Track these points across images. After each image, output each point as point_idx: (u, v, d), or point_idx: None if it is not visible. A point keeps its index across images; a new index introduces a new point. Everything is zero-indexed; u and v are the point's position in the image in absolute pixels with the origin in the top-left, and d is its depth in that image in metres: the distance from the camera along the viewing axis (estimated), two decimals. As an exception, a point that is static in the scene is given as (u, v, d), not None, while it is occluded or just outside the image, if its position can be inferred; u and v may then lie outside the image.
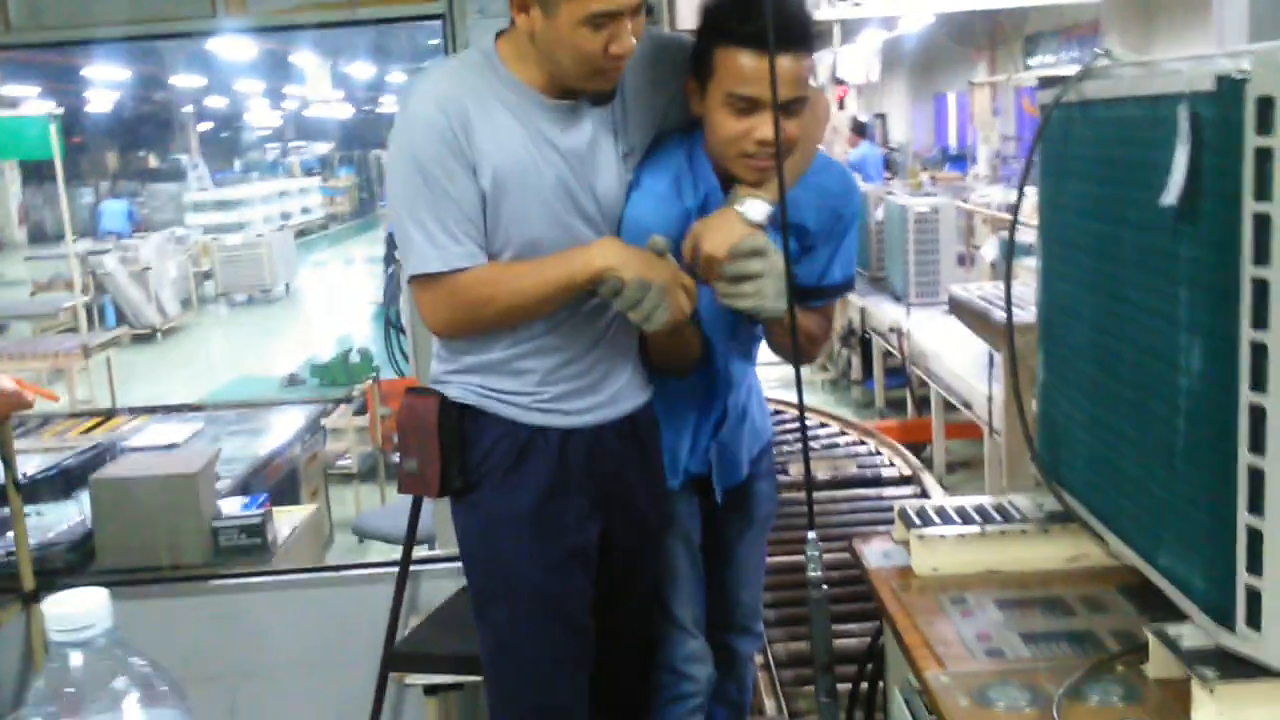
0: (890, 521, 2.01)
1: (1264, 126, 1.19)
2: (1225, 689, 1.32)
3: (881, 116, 15.48)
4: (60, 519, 3.46)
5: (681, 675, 2.16)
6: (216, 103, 30.78)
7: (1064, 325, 1.85)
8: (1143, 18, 12.04)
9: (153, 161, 27.56)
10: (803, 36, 1.86)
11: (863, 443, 6.61)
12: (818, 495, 5.71)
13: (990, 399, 5.16)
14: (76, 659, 0.78)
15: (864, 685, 2.47)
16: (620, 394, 2.07)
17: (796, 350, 1.90)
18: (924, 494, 5.20)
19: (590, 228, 1.95)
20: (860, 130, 12.95)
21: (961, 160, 17.68)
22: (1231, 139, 1.23)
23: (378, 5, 2.70)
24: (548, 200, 1.91)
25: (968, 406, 5.94)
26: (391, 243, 12.63)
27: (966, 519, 1.91)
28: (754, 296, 1.87)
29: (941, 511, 1.95)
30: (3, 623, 3.00)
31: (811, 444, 6.98)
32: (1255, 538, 1.28)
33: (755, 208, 1.90)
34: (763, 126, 1.85)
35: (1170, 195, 1.33)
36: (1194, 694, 1.34)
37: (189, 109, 29.19)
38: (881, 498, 5.52)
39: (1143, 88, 1.47)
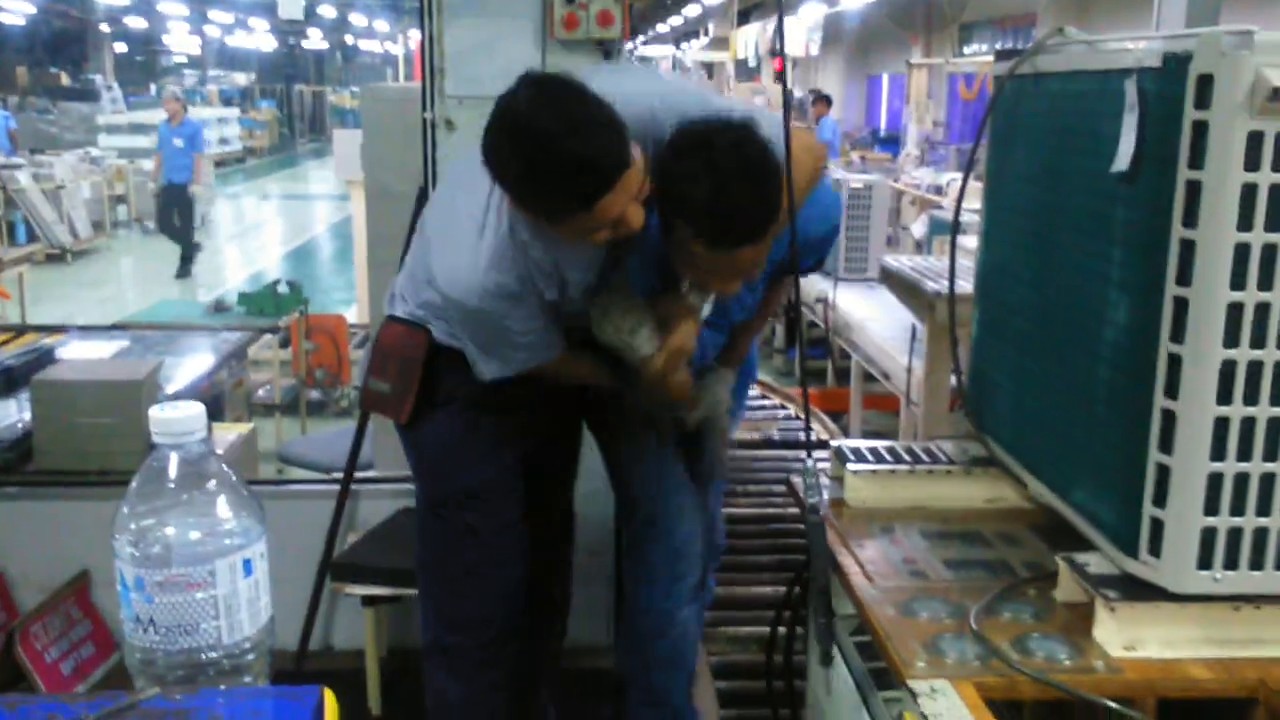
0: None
1: (1202, 102, 1.32)
2: (1125, 608, 1.47)
3: (825, 96, 15.75)
4: (1, 417, 3.45)
5: (680, 555, 2.31)
6: (135, 23, 29.88)
7: (1000, 284, 1.99)
8: (1077, 11, 12.36)
9: (65, 80, 26.66)
10: (760, 231, 1.82)
11: (784, 407, 6.79)
12: (740, 454, 5.86)
13: (909, 371, 5.34)
14: (175, 460, 0.86)
15: (781, 630, 2.61)
16: None
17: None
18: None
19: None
20: (827, 101, 15.06)
21: (891, 143, 17.97)
22: (1172, 112, 1.37)
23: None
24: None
25: (887, 378, 6.14)
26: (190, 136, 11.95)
27: (897, 459, 2.05)
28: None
29: (874, 451, 2.09)
30: (-59, 515, 3.01)
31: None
32: (1163, 474, 1.43)
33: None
34: (723, 285, 1.94)
35: (1121, 162, 1.46)
36: (1097, 613, 1.50)
37: (105, 28, 28.32)
38: (800, 459, 5.69)
39: (1094, 63, 1.60)
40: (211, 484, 0.88)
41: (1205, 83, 1.32)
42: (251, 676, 0.89)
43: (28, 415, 3.31)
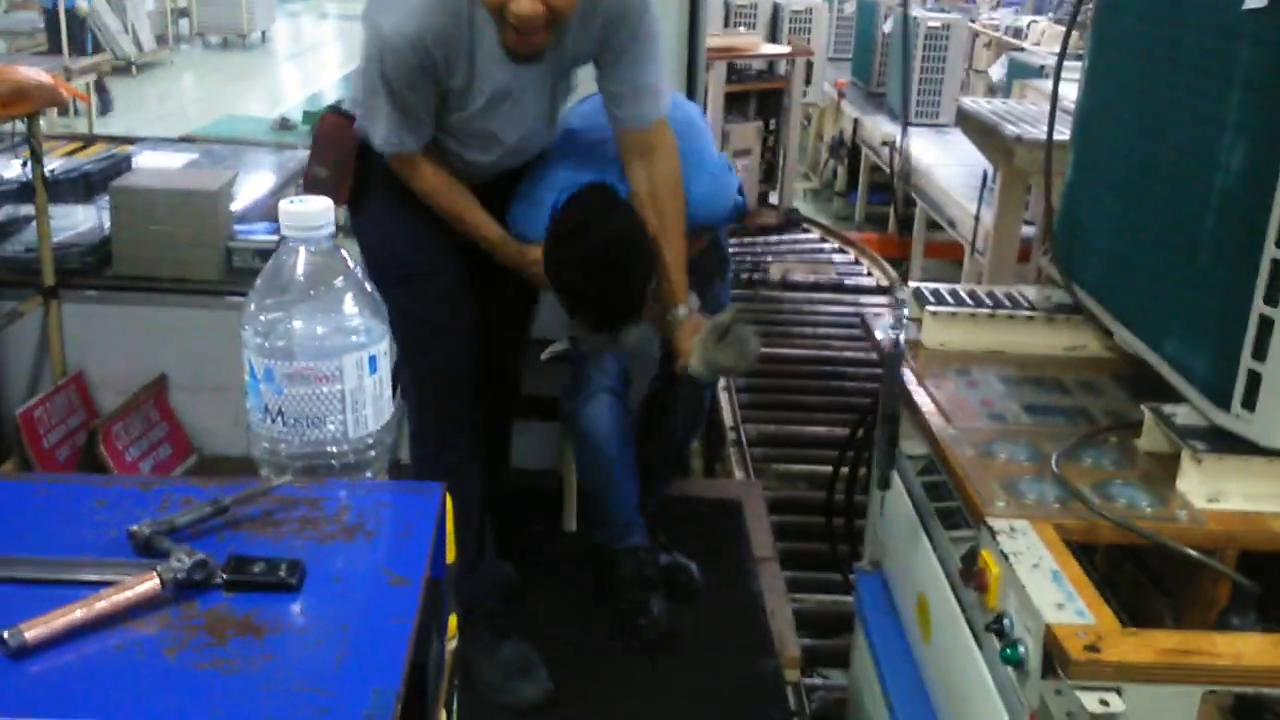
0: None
1: (1355, -69, 1.24)
2: (1212, 460, 1.45)
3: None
4: (79, 222, 3.48)
5: None
6: None
7: (1102, 126, 1.91)
8: None
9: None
10: (625, 319, 1.98)
11: (843, 251, 6.73)
12: (795, 296, 5.84)
13: (978, 219, 5.24)
14: (304, 255, 0.86)
15: (844, 470, 2.62)
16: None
17: None
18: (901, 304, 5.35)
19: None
20: None
21: (966, -19, 17.28)
22: (1319, -58, 1.28)
23: None
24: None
25: (952, 225, 6.03)
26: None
27: (978, 302, 2.02)
28: None
29: (954, 294, 2.05)
30: (24, 313, 3.07)
31: (793, 248, 7.04)
32: (1266, 326, 1.39)
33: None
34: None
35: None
36: (1183, 464, 1.48)
37: None
38: (859, 304, 5.67)
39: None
40: (339, 280, 0.88)
41: (1360, -89, 1.23)
42: (373, 472, 0.91)
43: (106, 221, 3.34)
